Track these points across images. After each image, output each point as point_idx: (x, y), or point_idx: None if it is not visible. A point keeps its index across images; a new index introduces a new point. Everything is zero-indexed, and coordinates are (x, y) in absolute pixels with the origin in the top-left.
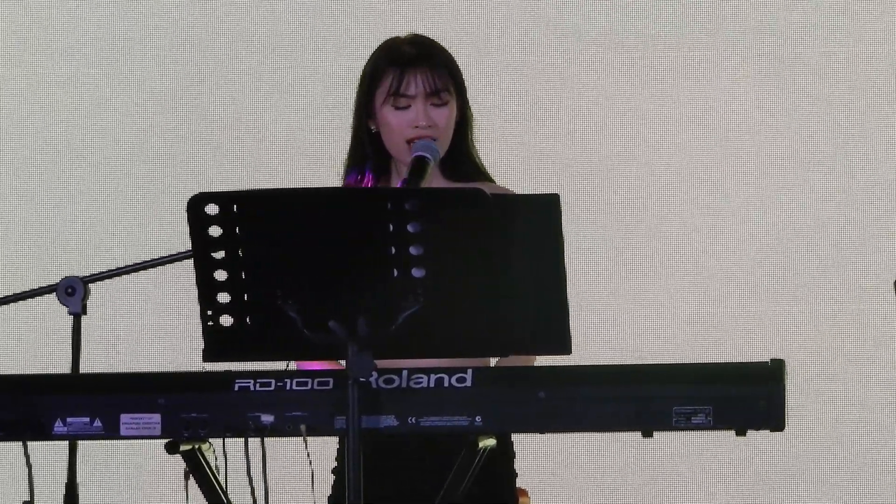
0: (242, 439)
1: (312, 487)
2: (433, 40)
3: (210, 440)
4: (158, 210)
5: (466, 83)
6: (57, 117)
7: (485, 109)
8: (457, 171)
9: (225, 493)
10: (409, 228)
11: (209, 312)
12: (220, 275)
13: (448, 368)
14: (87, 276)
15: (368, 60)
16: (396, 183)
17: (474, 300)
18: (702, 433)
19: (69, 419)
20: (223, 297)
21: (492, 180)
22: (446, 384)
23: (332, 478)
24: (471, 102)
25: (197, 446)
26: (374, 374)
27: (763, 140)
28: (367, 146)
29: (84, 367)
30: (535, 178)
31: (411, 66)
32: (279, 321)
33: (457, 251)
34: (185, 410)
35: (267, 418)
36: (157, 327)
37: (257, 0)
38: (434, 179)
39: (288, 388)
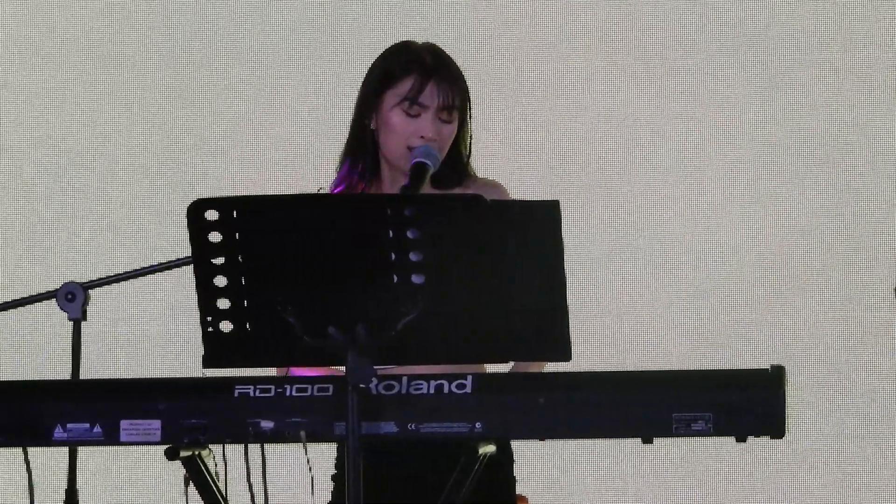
0: (242, 445)
1: (312, 493)
2: (445, 52)
3: (210, 446)
4: (158, 216)
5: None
6: (56, 122)
7: (484, 114)
8: (446, 180)
9: (225, 499)
10: (409, 234)
11: (209, 318)
12: (220, 280)
13: (448, 375)
14: (87, 282)
15: (383, 58)
16: (386, 185)
17: (474, 306)
18: (702, 439)
19: (69, 425)
20: (223, 303)
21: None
22: (446, 390)
23: (331, 484)
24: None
25: (197, 452)
26: (374, 380)
27: (762, 146)
28: (365, 142)
29: (84, 373)
30: (535, 184)
31: (433, 75)
32: (279, 327)
33: (457, 257)
34: (184, 416)
35: (267, 424)
36: (157, 333)
37: (255, 6)
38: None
39: (288, 393)
